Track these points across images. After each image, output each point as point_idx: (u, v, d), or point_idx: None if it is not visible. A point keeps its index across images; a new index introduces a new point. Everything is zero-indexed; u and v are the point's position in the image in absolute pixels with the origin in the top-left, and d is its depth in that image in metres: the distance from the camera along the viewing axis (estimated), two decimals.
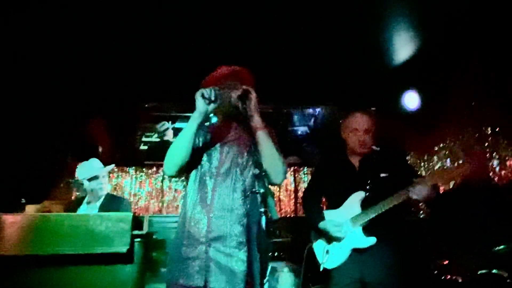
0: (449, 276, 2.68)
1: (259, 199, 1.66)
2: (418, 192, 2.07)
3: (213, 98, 1.64)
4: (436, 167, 4.24)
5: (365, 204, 2.20)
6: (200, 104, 1.66)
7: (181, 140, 1.71)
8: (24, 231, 1.78)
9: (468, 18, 3.27)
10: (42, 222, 1.80)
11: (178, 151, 1.71)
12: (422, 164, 4.50)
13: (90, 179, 2.80)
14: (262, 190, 1.37)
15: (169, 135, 4.74)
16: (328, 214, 2.32)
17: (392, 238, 2.17)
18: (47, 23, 3.25)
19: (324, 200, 2.53)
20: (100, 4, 3.11)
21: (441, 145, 4.18)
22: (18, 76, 3.90)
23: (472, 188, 2.23)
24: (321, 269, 2.23)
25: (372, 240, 2.13)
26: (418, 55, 3.96)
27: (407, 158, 3.98)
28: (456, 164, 2.09)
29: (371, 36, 3.73)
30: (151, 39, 3.65)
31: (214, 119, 2.02)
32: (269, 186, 1.40)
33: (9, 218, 1.81)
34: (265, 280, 1.44)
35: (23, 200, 3.02)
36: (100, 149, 4.99)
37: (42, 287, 1.75)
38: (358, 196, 2.23)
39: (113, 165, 3.02)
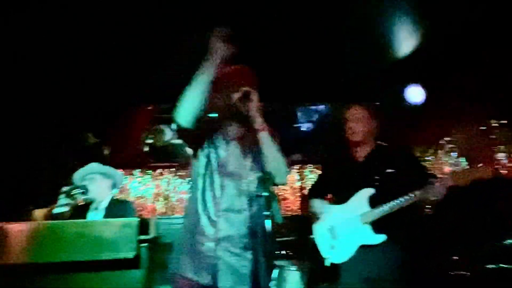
0: (458, 272, 2.66)
1: (263, 202, 1.67)
2: (437, 192, 2.03)
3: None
4: (442, 161, 4.22)
5: (374, 201, 2.18)
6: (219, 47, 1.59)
7: (196, 88, 1.62)
8: (31, 239, 1.79)
9: (470, 11, 3.24)
10: (48, 230, 1.81)
11: (193, 99, 1.62)
12: (428, 157, 4.47)
13: (84, 183, 2.78)
14: (266, 194, 1.36)
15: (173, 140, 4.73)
16: (335, 208, 2.31)
17: (402, 235, 2.15)
18: (47, 24, 3.24)
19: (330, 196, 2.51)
20: (100, 4, 3.11)
21: (446, 138, 4.15)
22: (23, 83, 3.93)
23: (480, 182, 2.20)
24: (327, 264, 2.22)
25: (382, 238, 2.11)
26: (421, 48, 3.93)
27: (413, 153, 3.95)
28: (477, 165, 2.05)
29: (374, 31, 3.70)
30: (150, 41, 3.65)
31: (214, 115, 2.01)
32: (273, 188, 1.40)
33: (16, 227, 1.82)
34: (271, 284, 1.44)
35: (32, 209, 3.04)
36: (106, 152, 5.02)
37: None
38: (366, 193, 2.20)
39: (101, 167, 2.92)
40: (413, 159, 2.42)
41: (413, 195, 2.08)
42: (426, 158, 4.47)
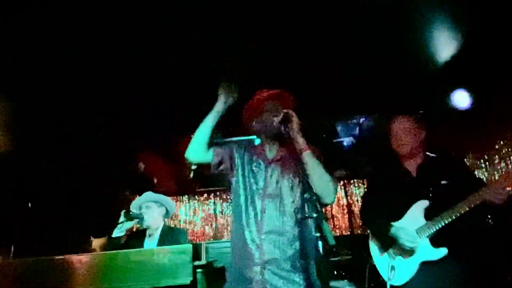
0: None
1: (312, 223, 1.68)
2: (494, 194, 1.91)
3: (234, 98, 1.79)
4: (500, 167, 3.95)
5: (429, 214, 2.09)
6: (223, 99, 1.83)
7: (203, 127, 1.85)
8: (95, 270, 1.91)
9: None
10: (110, 260, 1.93)
11: (199, 136, 1.85)
12: (483, 165, 4.20)
13: (141, 211, 2.93)
14: (315, 215, 1.36)
15: None
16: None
17: (464, 248, 2.02)
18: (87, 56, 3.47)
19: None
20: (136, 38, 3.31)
21: (502, 142, 3.89)
22: (73, 120, 4.25)
23: None
24: (388, 287, 2.14)
25: (443, 252, 2.01)
26: (463, 51, 3.78)
27: (466, 162, 3.74)
28: None
29: (412, 37, 3.61)
30: (191, 69, 3.82)
31: (257, 141, 2.07)
32: (322, 210, 1.40)
33: (81, 258, 1.96)
34: None
35: (92, 238, 3.25)
36: (155, 181, 5.24)
37: None
38: (421, 206, 2.12)
39: (155, 196, 3.07)
40: (465, 167, 2.30)
41: (467, 201, 1.98)
42: (481, 165, 4.20)
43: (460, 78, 4.11)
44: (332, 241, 1.23)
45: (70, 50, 3.33)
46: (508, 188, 1.92)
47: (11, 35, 3.09)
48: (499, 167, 3.95)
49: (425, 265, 2.05)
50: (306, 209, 1.66)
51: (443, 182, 2.12)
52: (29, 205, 4.27)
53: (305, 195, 1.50)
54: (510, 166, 3.78)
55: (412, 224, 2.13)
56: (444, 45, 3.76)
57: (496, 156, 3.99)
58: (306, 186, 1.65)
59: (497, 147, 3.97)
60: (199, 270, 1.87)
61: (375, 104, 4.76)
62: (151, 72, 3.79)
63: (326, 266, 1.41)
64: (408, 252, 2.10)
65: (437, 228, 2.04)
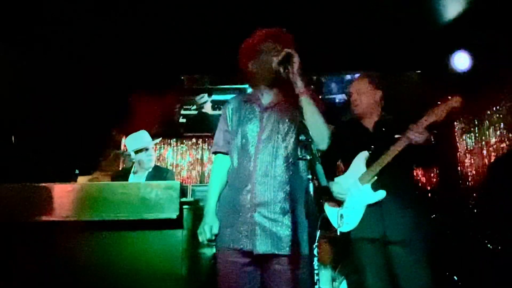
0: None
1: (303, 166, 1.66)
2: (416, 134, 2.02)
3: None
4: (488, 132, 3.99)
5: (371, 162, 2.19)
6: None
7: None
8: (81, 199, 1.90)
9: None
10: (97, 190, 1.91)
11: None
12: (472, 129, 4.24)
13: (138, 151, 2.88)
14: (308, 157, 1.34)
15: (207, 108, 4.79)
16: (338, 179, 2.32)
17: (402, 190, 2.14)
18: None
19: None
20: None
21: (494, 108, 3.90)
22: (63, 56, 4.06)
23: None
24: (338, 234, 2.24)
25: (382, 194, 2.12)
26: (467, 11, 3.65)
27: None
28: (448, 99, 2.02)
29: None
30: (186, 12, 3.62)
31: (249, 90, 1.99)
32: (317, 152, 1.37)
33: (67, 187, 1.94)
34: (314, 246, 1.46)
35: (77, 171, 3.22)
36: (142, 122, 5.15)
37: (98, 250, 1.86)
38: (362, 156, 2.22)
39: (160, 139, 3.08)
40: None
41: (396, 145, 2.08)
42: (470, 129, 4.24)
43: (462, 39, 4.01)
44: (324, 182, 1.21)
45: None
46: (426, 128, 2.01)
47: None
48: (487, 133, 4.00)
49: (368, 208, 2.17)
50: (299, 152, 1.65)
51: (396, 136, 2.16)
52: (13, 138, 4.17)
53: (300, 137, 1.46)
54: (498, 133, 3.82)
55: (355, 174, 2.23)
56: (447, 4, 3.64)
57: (486, 122, 4.02)
58: (301, 130, 1.61)
59: (488, 112, 3.99)
60: (185, 206, 1.88)
61: (371, 61, 4.66)
62: (141, 14, 3.58)
63: (316, 213, 1.42)
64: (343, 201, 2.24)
65: (375, 173, 2.14)
